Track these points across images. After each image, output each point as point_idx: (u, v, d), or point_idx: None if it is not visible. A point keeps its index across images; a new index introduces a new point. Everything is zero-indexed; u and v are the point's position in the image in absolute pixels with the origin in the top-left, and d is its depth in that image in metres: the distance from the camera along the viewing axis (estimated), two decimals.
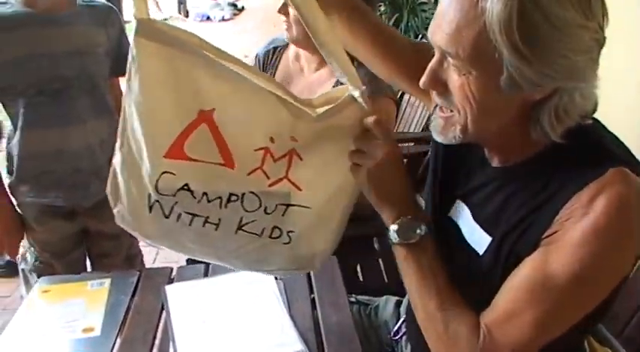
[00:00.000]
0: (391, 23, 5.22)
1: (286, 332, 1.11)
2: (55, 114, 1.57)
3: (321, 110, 0.85)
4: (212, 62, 0.81)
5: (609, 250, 0.77)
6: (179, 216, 0.93)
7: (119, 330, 1.21)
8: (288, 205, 0.92)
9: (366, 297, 1.40)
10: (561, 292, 0.78)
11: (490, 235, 0.89)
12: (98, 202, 1.68)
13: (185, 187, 0.90)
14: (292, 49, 1.74)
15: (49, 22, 1.54)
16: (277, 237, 0.95)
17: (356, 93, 0.83)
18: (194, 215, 0.92)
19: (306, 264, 1.02)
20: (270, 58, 1.81)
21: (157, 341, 1.17)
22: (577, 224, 0.77)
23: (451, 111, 0.85)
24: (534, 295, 0.80)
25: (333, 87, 1.52)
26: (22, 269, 1.76)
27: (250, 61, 1.84)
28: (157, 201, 0.91)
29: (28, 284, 1.73)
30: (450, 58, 0.80)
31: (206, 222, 0.93)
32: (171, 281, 1.37)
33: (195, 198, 0.90)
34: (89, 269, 1.89)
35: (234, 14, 10.46)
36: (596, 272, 0.78)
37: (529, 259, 0.82)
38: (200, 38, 0.82)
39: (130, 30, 0.81)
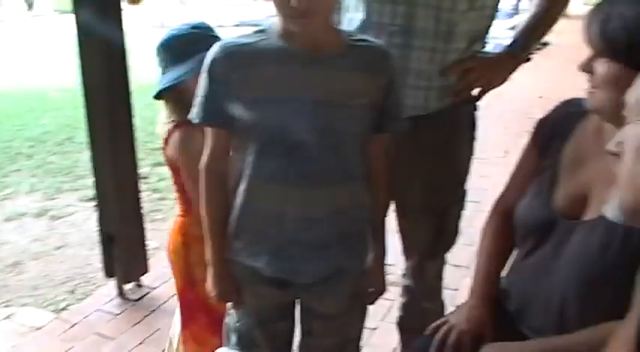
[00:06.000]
0: None
1: None
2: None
3: None
4: None
5: None
6: None
7: None
8: None
9: None
10: None
11: None
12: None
13: None
14: (594, 119, 1.29)
15: (307, 63, 1.30)
16: None
17: None
18: None
19: None
20: (563, 125, 1.38)
21: None
22: None
23: None
24: None
25: None
26: (227, 323, 1.59)
27: (544, 103, 1.44)
28: None
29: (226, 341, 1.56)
30: None
31: None
32: None
33: None
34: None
35: (536, 49, 9.78)
36: None
37: None
38: None
39: None
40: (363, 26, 1.55)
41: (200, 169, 1.41)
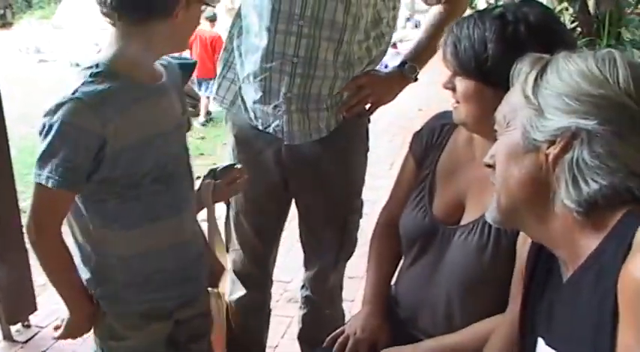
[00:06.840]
0: None
1: None
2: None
3: None
4: None
5: None
6: None
7: None
8: None
9: None
10: None
11: None
12: None
13: None
14: (464, 130, 1.39)
15: (158, 94, 1.35)
16: None
17: None
18: None
19: None
20: (436, 137, 1.48)
21: None
22: None
23: None
24: None
25: None
26: None
27: (424, 115, 1.54)
28: None
29: None
30: None
31: None
32: None
33: None
34: None
35: None
36: None
37: None
38: None
39: None
40: (267, 55, 1.62)
41: (44, 245, 1.32)
